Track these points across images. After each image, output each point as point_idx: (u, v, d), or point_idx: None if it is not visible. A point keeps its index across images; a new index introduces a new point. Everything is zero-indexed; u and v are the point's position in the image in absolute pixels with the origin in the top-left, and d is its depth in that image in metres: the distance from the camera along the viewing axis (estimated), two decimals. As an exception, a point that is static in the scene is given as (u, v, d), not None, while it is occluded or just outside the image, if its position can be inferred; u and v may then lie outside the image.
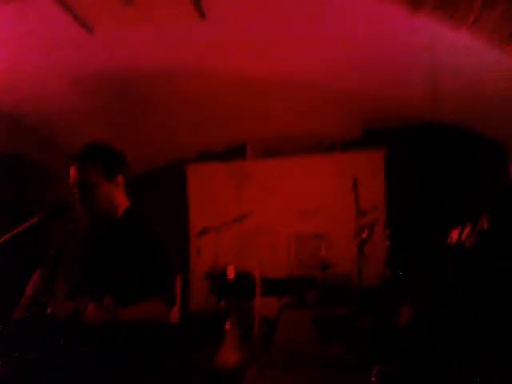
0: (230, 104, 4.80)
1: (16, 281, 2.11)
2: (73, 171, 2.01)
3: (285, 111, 5.06)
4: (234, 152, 6.12)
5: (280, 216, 5.72)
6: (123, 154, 2.15)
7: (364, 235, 4.29)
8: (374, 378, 2.77)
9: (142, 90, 4.35)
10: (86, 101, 4.40)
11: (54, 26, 3.19)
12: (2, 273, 3.29)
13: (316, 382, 3.57)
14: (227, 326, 4.31)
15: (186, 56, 3.82)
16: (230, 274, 4.77)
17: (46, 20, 3.13)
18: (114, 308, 1.73)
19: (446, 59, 3.68)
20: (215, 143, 6.05)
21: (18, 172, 4.66)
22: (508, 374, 1.95)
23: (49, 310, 1.77)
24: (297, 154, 5.93)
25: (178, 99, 4.60)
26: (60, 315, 1.76)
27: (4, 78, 3.80)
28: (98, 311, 1.70)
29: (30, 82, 3.95)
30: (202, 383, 3.64)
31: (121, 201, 2.10)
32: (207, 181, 6.20)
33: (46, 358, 1.77)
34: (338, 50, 3.76)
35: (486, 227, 2.42)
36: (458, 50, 3.39)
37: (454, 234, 2.56)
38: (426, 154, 5.32)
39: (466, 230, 2.54)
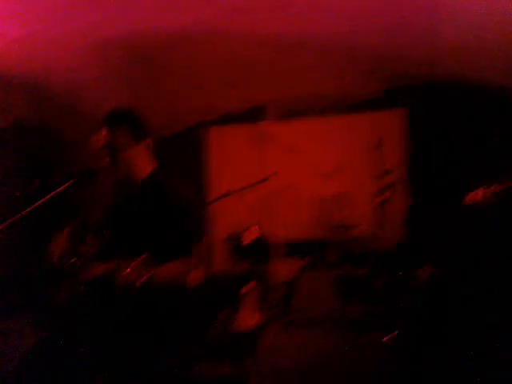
0: (249, 65, 4.75)
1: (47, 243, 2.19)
2: (100, 135, 2.06)
3: (306, 71, 4.98)
4: (255, 113, 6.07)
5: (302, 177, 5.71)
6: (145, 119, 2.19)
7: (385, 195, 4.29)
8: (387, 340, 2.83)
9: (161, 53, 4.32)
10: (105, 66, 4.40)
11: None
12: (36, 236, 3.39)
13: (335, 342, 3.64)
14: (247, 287, 4.38)
15: (204, 17, 3.77)
16: (252, 236, 4.81)
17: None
18: (153, 265, 1.77)
19: (471, 19, 3.57)
20: (235, 105, 6.02)
21: (38, 139, 4.73)
22: None
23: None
24: (318, 115, 5.88)
25: (197, 62, 4.57)
26: (94, 275, 1.83)
27: (22, 46, 3.82)
28: (138, 268, 1.73)
29: (47, 48, 3.96)
30: (220, 345, 3.73)
31: (147, 163, 2.15)
32: (228, 143, 6.20)
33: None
34: (360, 8, 3.67)
35: (504, 188, 2.39)
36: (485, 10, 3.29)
37: (471, 195, 2.54)
38: (449, 113, 5.22)
39: (484, 190, 2.51)
